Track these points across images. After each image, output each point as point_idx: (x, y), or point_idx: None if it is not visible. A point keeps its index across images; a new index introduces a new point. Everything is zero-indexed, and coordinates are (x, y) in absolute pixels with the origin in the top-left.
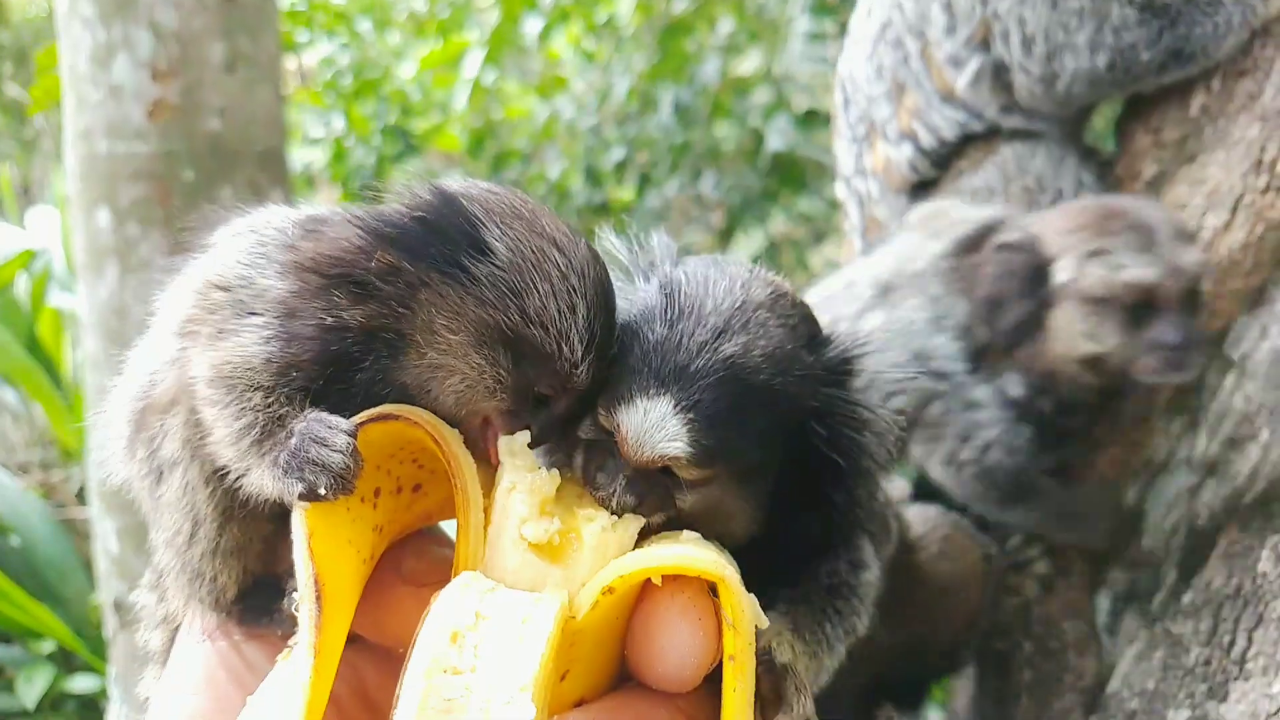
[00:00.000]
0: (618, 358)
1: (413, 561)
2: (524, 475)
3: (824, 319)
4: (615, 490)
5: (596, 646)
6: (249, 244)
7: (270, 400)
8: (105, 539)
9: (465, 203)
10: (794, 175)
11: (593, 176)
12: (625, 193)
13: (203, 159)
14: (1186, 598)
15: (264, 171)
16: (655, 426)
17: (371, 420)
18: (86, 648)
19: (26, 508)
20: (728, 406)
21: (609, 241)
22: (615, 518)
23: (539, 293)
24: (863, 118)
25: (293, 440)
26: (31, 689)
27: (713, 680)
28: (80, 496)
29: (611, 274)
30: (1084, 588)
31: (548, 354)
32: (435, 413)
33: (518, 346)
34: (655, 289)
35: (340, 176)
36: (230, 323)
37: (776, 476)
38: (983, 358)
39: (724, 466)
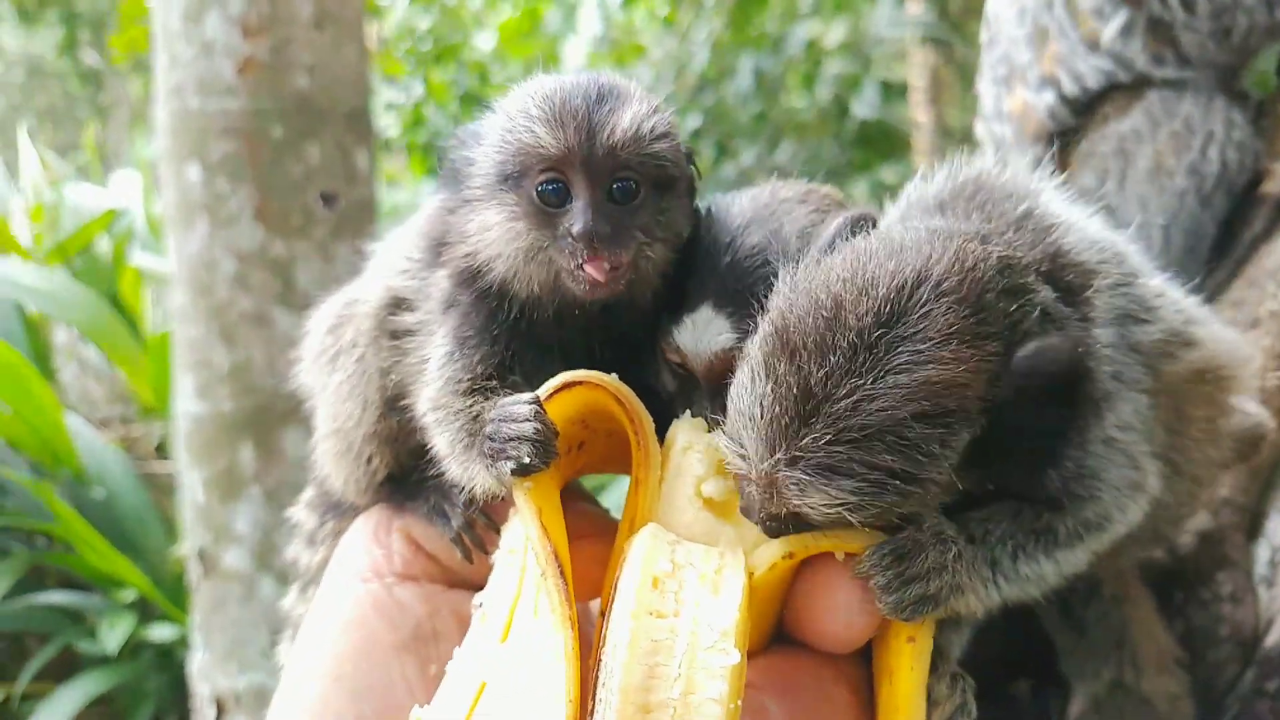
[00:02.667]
0: (668, 294)
1: (565, 516)
2: (700, 435)
3: None
4: (704, 414)
5: (764, 604)
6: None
7: (470, 402)
8: (192, 489)
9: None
10: (884, 144)
11: None
12: (700, 163)
13: (291, 116)
14: None
15: (350, 131)
16: (701, 331)
17: (556, 390)
18: (165, 598)
19: (109, 461)
20: (767, 290)
21: None
22: None
23: (503, 122)
24: (1004, 59)
25: (488, 428)
26: (114, 636)
27: (863, 650)
28: (160, 451)
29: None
30: (1241, 540)
31: (515, 149)
32: (530, 289)
33: (505, 172)
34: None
35: (415, 144)
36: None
37: None
38: None
39: None
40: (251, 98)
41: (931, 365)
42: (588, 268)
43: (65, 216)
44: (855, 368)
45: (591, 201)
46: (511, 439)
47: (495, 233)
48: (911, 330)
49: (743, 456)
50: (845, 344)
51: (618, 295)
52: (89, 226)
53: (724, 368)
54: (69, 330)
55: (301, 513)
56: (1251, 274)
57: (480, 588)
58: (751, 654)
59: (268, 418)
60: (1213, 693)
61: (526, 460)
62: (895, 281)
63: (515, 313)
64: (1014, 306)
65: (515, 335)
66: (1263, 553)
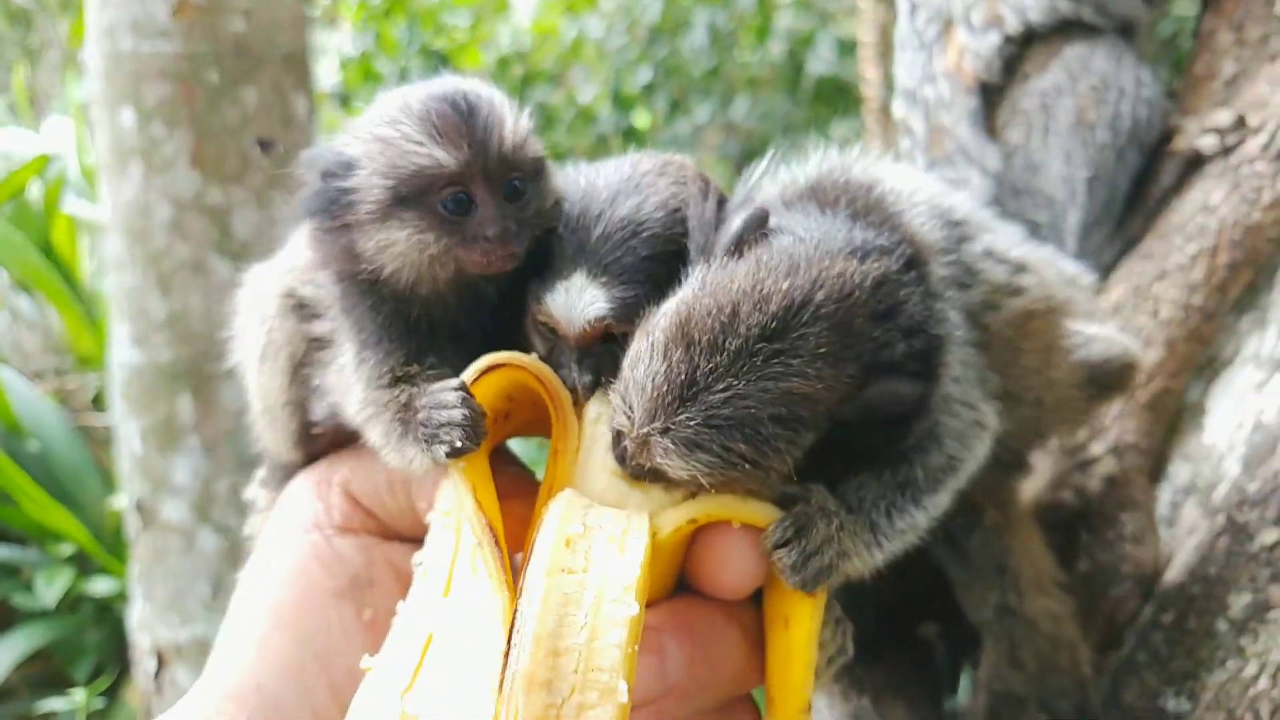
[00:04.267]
0: (537, 262)
1: (495, 478)
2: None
3: None
4: (573, 377)
5: (667, 560)
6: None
7: (396, 392)
8: (129, 440)
9: (339, 138)
10: (839, 100)
11: (620, 100)
12: (647, 119)
13: (227, 60)
14: (1253, 487)
15: (288, 76)
16: (575, 299)
17: (481, 373)
18: (103, 551)
19: (44, 413)
20: (636, 260)
21: None
22: None
23: (382, 150)
24: (935, 16)
25: (420, 415)
26: (51, 590)
27: (753, 595)
28: (96, 403)
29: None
30: (1144, 482)
31: (411, 173)
32: (433, 286)
33: (400, 197)
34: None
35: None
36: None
37: None
38: None
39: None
40: (187, 40)
41: (796, 379)
42: (495, 257)
43: None
44: (735, 369)
45: (495, 205)
46: (443, 424)
47: (400, 247)
48: (788, 347)
49: (628, 417)
50: (733, 348)
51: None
52: (20, 172)
53: (595, 335)
54: None
55: (256, 491)
56: (1161, 228)
57: (412, 540)
58: (655, 602)
59: (205, 367)
60: (1114, 626)
61: (459, 444)
62: (784, 301)
63: (417, 311)
64: (879, 332)
65: (415, 332)
66: (1165, 494)
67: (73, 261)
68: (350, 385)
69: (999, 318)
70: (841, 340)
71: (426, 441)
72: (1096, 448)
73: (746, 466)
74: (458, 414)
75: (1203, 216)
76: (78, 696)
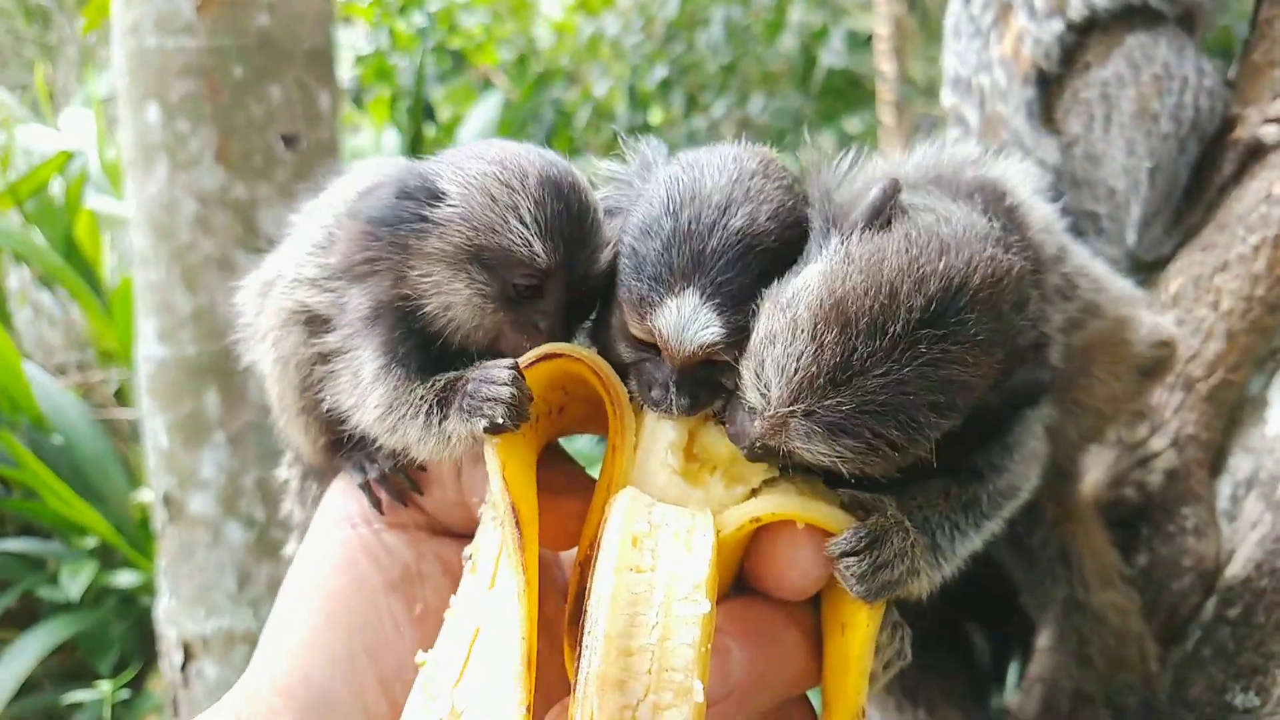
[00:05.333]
0: (637, 264)
1: (547, 474)
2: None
3: None
4: (670, 399)
5: (728, 558)
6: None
7: (430, 384)
8: (155, 435)
9: (427, 165)
10: (851, 94)
11: (636, 97)
12: (659, 116)
13: (251, 56)
14: None
15: (312, 71)
16: (689, 320)
17: (538, 360)
18: (127, 544)
19: (67, 407)
20: (750, 279)
21: (603, 167)
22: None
23: (485, 206)
24: (992, 1)
25: (469, 386)
26: (76, 582)
27: (813, 597)
28: (119, 397)
29: (617, 190)
30: (1205, 475)
31: (505, 247)
32: (463, 340)
33: (482, 257)
34: (655, 186)
35: (393, 85)
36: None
37: None
38: None
39: None
40: (211, 36)
41: (956, 366)
42: (531, 344)
43: (17, 158)
44: (897, 354)
45: (559, 306)
46: (489, 399)
47: (454, 298)
48: (947, 331)
49: (763, 395)
50: (894, 332)
51: None
52: (42, 168)
53: (702, 359)
54: (22, 275)
55: (286, 470)
56: (1221, 218)
57: (463, 535)
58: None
59: (231, 362)
60: (1175, 620)
61: (500, 420)
62: (942, 283)
63: (441, 341)
64: (1019, 319)
65: (440, 357)
66: (1225, 488)
67: (95, 256)
68: (371, 390)
69: (1081, 336)
70: (994, 326)
71: (468, 413)
72: (1157, 442)
73: (890, 451)
74: (505, 391)
75: (1265, 206)
76: (104, 688)
